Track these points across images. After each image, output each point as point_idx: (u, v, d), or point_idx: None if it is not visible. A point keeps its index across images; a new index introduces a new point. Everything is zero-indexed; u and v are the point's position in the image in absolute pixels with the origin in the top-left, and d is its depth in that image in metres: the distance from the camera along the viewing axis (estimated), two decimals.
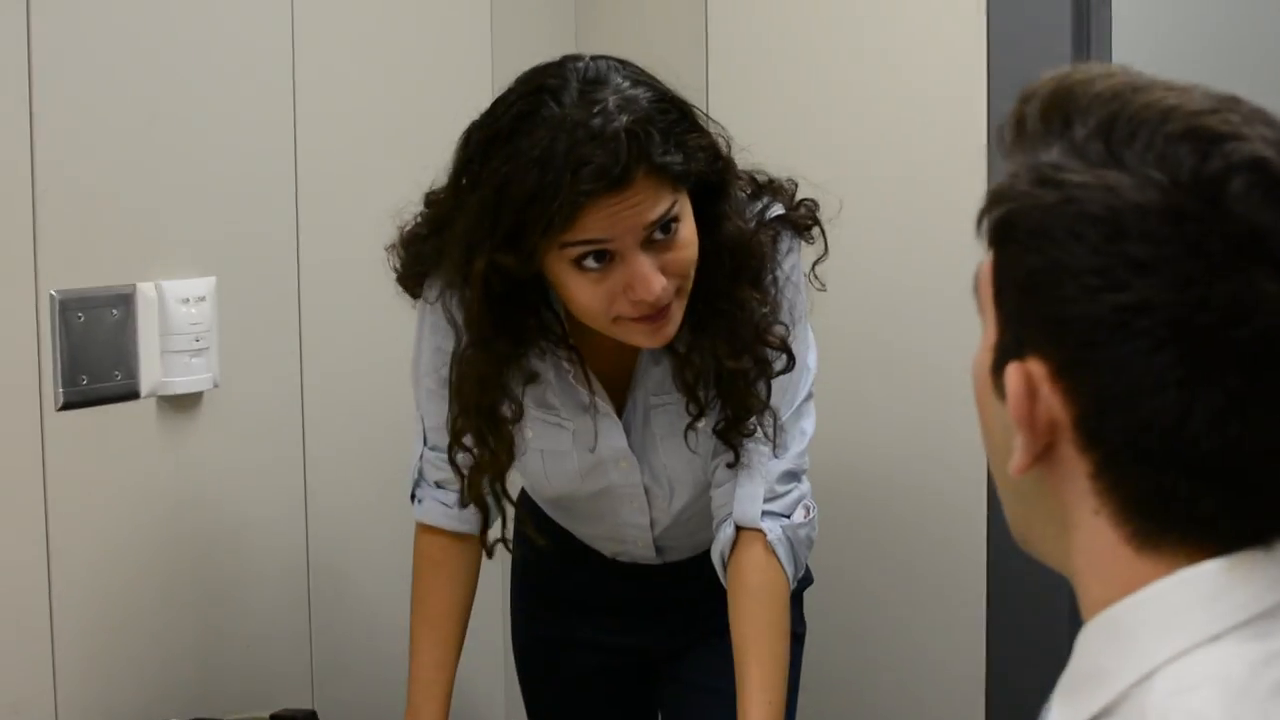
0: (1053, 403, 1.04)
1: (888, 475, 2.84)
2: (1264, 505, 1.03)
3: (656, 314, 1.88)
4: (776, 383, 2.03)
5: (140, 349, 2.25)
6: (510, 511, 2.14)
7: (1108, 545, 1.06)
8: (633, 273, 1.83)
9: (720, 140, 1.93)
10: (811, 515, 2.10)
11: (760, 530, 2.04)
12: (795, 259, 2.05)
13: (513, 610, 2.42)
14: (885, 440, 2.83)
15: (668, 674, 2.30)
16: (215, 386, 2.34)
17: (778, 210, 2.02)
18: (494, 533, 2.13)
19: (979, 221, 1.10)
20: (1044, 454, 1.06)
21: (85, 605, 2.19)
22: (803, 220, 2.03)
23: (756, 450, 2.05)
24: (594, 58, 1.86)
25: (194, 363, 2.30)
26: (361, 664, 2.62)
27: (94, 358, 2.18)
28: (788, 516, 2.06)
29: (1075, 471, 1.05)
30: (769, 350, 2.00)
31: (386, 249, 2.05)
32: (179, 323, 2.27)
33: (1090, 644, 1.08)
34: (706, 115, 1.93)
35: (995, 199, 1.08)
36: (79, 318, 2.15)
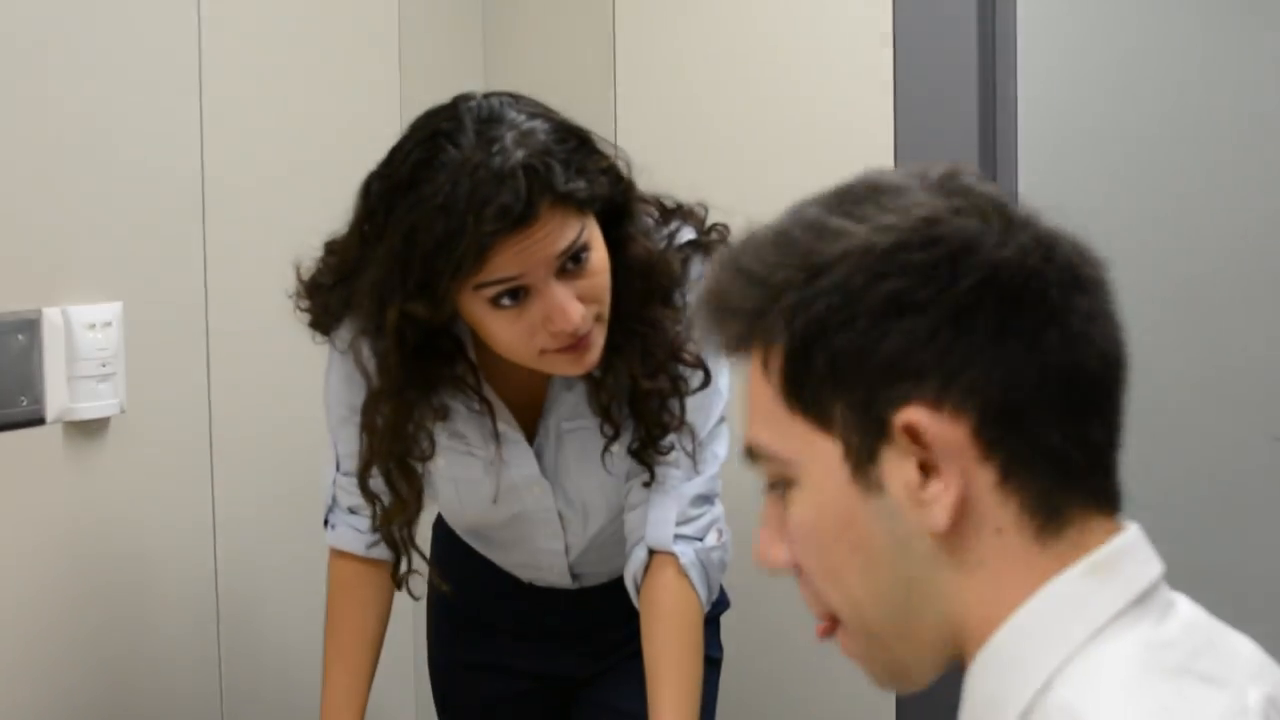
0: (944, 431, 1.09)
1: None
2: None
3: (578, 342, 1.89)
4: (690, 404, 2.03)
5: (46, 374, 2.22)
6: (416, 557, 2.12)
7: (1019, 554, 1.11)
8: (550, 305, 1.84)
9: (621, 163, 1.94)
10: (724, 538, 2.10)
11: (673, 554, 2.04)
12: None
13: (428, 633, 2.41)
14: None
15: (582, 697, 2.30)
16: (122, 412, 2.32)
17: (689, 235, 2.03)
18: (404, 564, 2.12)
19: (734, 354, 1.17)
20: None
21: None
22: (715, 244, 2.04)
23: (670, 473, 2.05)
24: (486, 95, 1.87)
25: (100, 388, 2.28)
26: (272, 691, 2.60)
27: None
28: (700, 540, 2.06)
29: (979, 494, 1.10)
30: (684, 368, 2.01)
31: (290, 295, 2.04)
32: (85, 348, 2.25)
33: (981, 678, 1.12)
34: (605, 140, 1.94)
35: (759, 327, 1.14)
36: None
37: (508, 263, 1.80)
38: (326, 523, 2.17)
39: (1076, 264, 1.13)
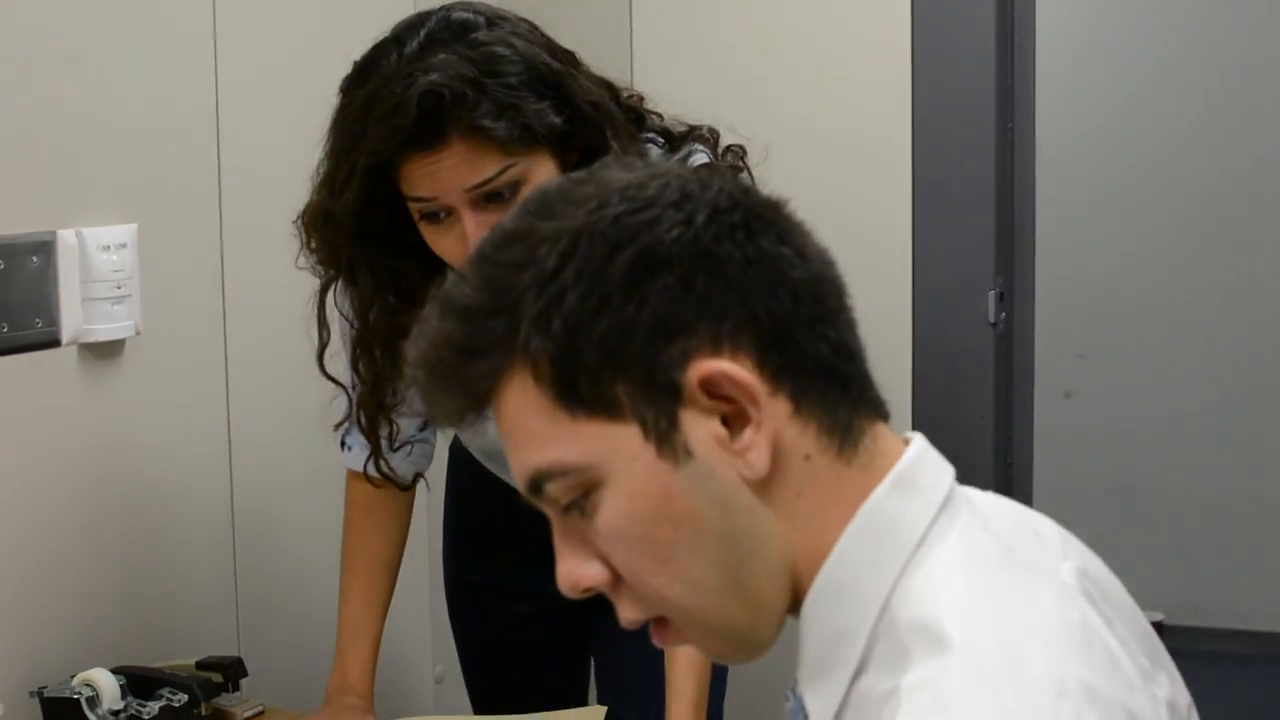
0: (734, 373, 1.09)
1: None
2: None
3: None
4: None
5: (61, 296, 2.23)
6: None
7: (830, 477, 1.12)
8: (463, 229, 1.85)
9: (606, 103, 1.92)
10: None
11: None
12: None
13: (444, 554, 2.42)
14: None
15: (601, 621, 2.31)
16: (137, 334, 2.32)
17: (702, 158, 2.02)
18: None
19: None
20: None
21: (7, 555, 2.18)
22: (730, 167, 2.04)
23: None
24: (471, 9, 1.86)
25: (115, 310, 2.29)
26: (289, 610, 2.62)
27: (14, 305, 2.16)
28: None
29: (780, 424, 1.10)
30: None
31: (299, 242, 2.04)
32: (100, 270, 2.25)
33: (818, 614, 1.13)
34: (594, 75, 1.93)
35: (502, 343, 1.11)
36: None
37: (419, 182, 1.82)
38: (343, 444, 2.18)
39: (761, 191, 1.17)
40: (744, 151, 2.05)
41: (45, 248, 2.21)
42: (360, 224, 1.91)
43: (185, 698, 2.11)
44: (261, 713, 2.24)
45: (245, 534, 2.55)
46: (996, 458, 2.92)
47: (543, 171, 1.86)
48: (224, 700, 2.19)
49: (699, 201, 1.11)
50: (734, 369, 1.08)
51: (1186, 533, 5.14)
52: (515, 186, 1.83)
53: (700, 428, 1.09)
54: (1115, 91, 5.15)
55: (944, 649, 1.02)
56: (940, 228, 2.82)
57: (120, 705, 2.09)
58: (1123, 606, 1.17)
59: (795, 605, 1.14)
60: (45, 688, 2.13)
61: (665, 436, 1.09)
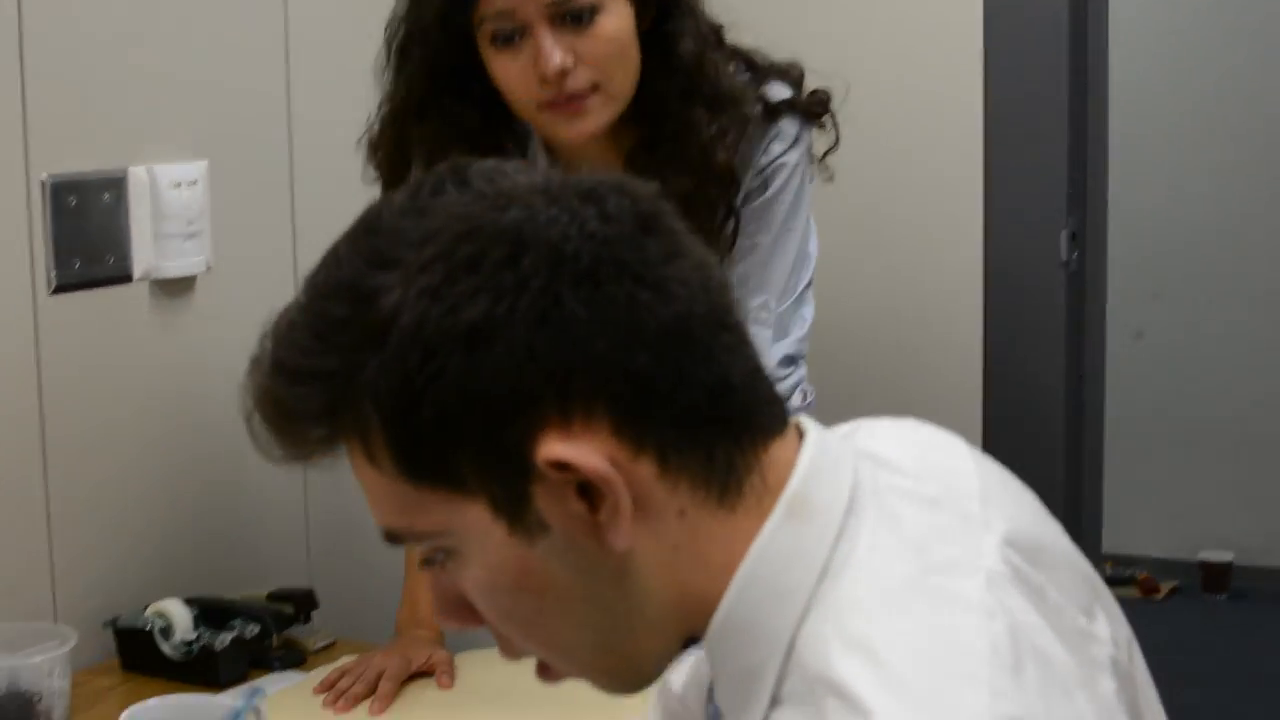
0: (587, 449, 1.00)
1: (885, 358, 2.86)
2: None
3: (571, 104, 1.91)
4: (777, 258, 2.04)
5: (132, 232, 2.24)
6: None
7: (712, 525, 1.04)
8: (536, 48, 1.87)
9: None
10: (809, 400, 2.11)
11: None
12: (804, 147, 2.04)
13: None
14: (884, 324, 2.84)
15: None
16: (208, 270, 2.34)
17: (783, 93, 2.01)
18: None
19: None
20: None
21: (81, 488, 2.20)
22: (813, 108, 2.03)
23: (757, 334, 2.05)
24: None
25: (186, 246, 2.30)
26: (359, 543, 2.63)
27: (86, 241, 2.18)
28: (787, 400, 2.07)
29: (646, 487, 1.02)
30: (718, 176, 1.99)
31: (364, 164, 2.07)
32: (171, 206, 2.27)
33: (722, 652, 1.06)
34: None
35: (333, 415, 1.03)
36: (71, 201, 2.15)
37: None
38: None
39: (630, 208, 1.04)
40: (829, 94, 2.04)
41: (117, 185, 2.22)
42: (429, 91, 1.95)
43: (257, 629, 2.13)
44: (332, 644, 2.27)
45: (316, 466, 2.56)
46: (1068, 398, 2.90)
47: (619, 13, 1.90)
48: (295, 632, 2.21)
49: (538, 252, 1.00)
50: (581, 455, 0.99)
51: (1257, 473, 5.10)
52: (593, 12, 1.87)
53: (555, 503, 1.01)
54: (1190, 27, 5.09)
55: (859, 716, 0.94)
56: (1013, 167, 2.80)
57: (193, 636, 2.11)
58: (1056, 555, 1.10)
59: (696, 637, 1.09)
60: (118, 618, 2.16)
61: (517, 514, 1.02)
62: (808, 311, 2.12)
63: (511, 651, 1.12)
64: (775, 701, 1.02)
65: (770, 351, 2.05)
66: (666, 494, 1.03)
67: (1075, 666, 1.01)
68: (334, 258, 1.06)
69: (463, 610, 1.10)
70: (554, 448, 0.99)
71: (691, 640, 1.10)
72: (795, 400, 2.08)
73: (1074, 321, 2.93)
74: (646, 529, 1.03)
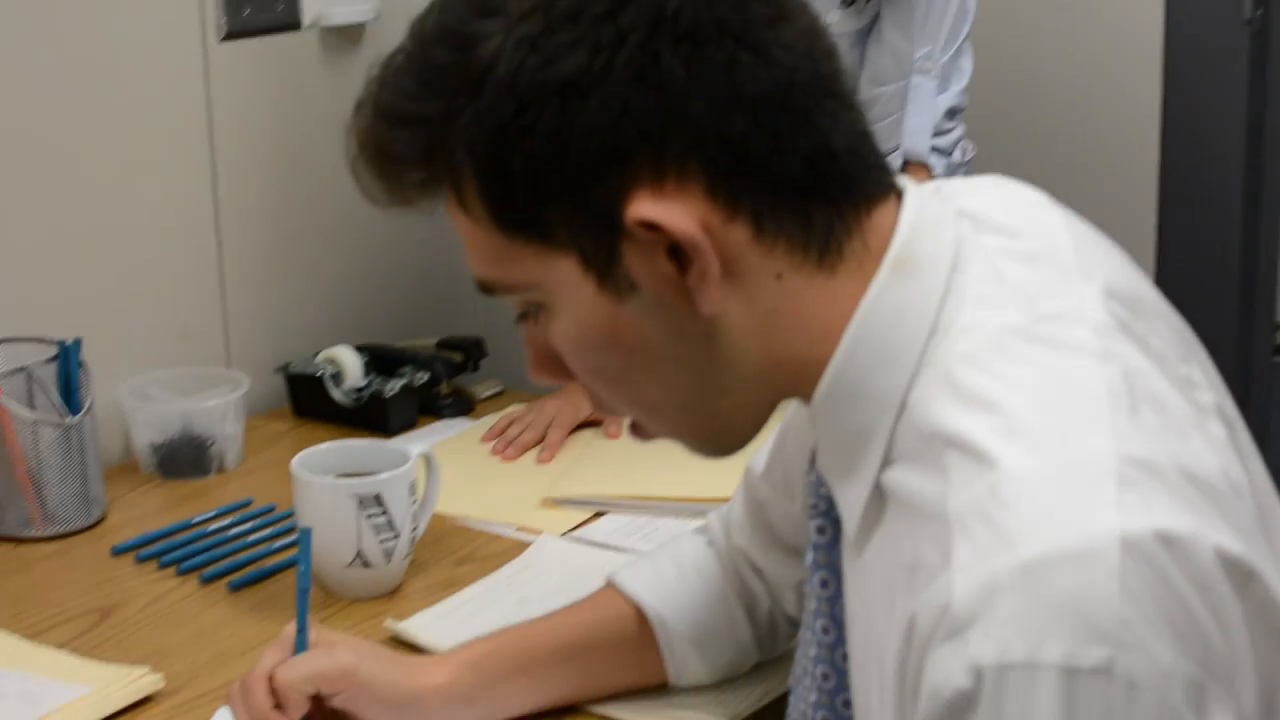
0: (678, 209, 0.99)
1: (1055, 115, 2.81)
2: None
3: None
4: (937, 20, 2.04)
5: None
6: None
7: (811, 289, 1.03)
8: None
9: None
10: (969, 156, 2.11)
11: (926, 165, 2.04)
12: None
13: None
14: (1055, 80, 2.80)
15: None
16: (376, 18, 2.32)
17: None
18: None
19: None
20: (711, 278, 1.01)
21: (251, 233, 2.22)
22: None
23: (921, 85, 2.04)
24: None
25: None
26: None
27: None
28: (949, 154, 2.06)
29: (740, 250, 1.01)
30: None
31: None
32: None
33: (831, 415, 1.05)
34: None
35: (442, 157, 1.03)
36: None
37: None
38: None
39: None
40: None
41: None
42: None
43: (426, 376, 2.15)
44: (501, 393, 2.29)
45: (419, 211, 2.57)
46: (1248, 158, 2.83)
47: None
48: (464, 380, 2.23)
49: (638, 8, 0.99)
50: (671, 217, 0.99)
51: None
52: None
53: (645, 262, 1.01)
54: None
55: (984, 466, 0.93)
56: None
57: (363, 382, 2.13)
58: (1153, 307, 1.08)
59: (791, 397, 1.10)
60: (290, 364, 2.19)
61: (607, 271, 1.02)
62: (966, 63, 2.12)
63: (603, 408, 1.13)
64: (888, 462, 1.02)
65: (937, 102, 2.05)
66: (762, 258, 1.02)
67: (1188, 410, 0.99)
68: (442, 3, 1.05)
69: (555, 365, 1.10)
70: (644, 207, 0.99)
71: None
72: (955, 156, 2.08)
73: (1256, 82, 2.85)
74: (739, 293, 1.02)
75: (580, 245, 1.02)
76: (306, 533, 1.40)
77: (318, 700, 1.33)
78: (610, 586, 1.45)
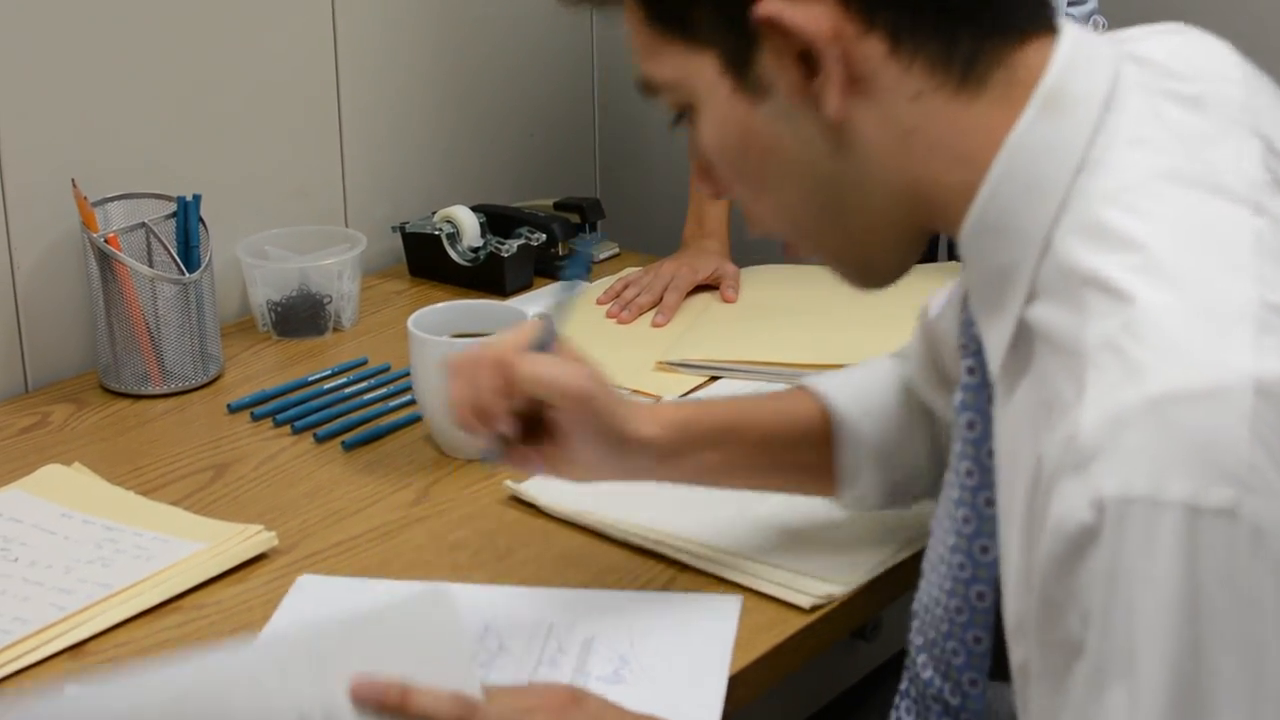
0: (806, 14, 0.99)
1: None
2: None
3: None
4: None
5: None
6: None
7: (952, 112, 1.02)
8: None
9: None
10: (1102, 27, 2.05)
11: None
12: None
13: None
14: None
15: None
16: None
17: None
18: None
19: None
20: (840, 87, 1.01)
21: (371, 93, 2.21)
22: None
23: None
24: None
25: None
26: (646, 153, 2.62)
27: None
28: (1084, 23, 2.02)
29: (873, 64, 1.01)
30: None
31: None
32: None
33: (976, 249, 1.04)
34: None
35: None
36: None
37: None
38: None
39: None
40: None
41: None
42: None
43: (543, 237, 2.14)
44: (617, 254, 2.27)
45: (607, 77, 2.55)
46: None
47: None
48: (580, 242, 2.22)
49: None
50: (796, 15, 0.99)
51: None
52: None
53: (777, 66, 1.02)
54: None
55: (1122, 302, 0.91)
56: None
57: (479, 243, 2.12)
58: None
59: (935, 230, 1.09)
60: (407, 223, 2.18)
61: (742, 73, 1.04)
62: None
63: (755, 224, 1.14)
64: (1030, 298, 1.00)
65: None
66: (898, 74, 1.01)
67: None
68: None
69: (710, 173, 1.14)
70: (772, 5, 1.00)
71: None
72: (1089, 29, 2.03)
73: None
74: (874, 108, 1.02)
75: (719, 44, 1.05)
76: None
77: (534, 403, 1.30)
78: (801, 388, 1.43)
